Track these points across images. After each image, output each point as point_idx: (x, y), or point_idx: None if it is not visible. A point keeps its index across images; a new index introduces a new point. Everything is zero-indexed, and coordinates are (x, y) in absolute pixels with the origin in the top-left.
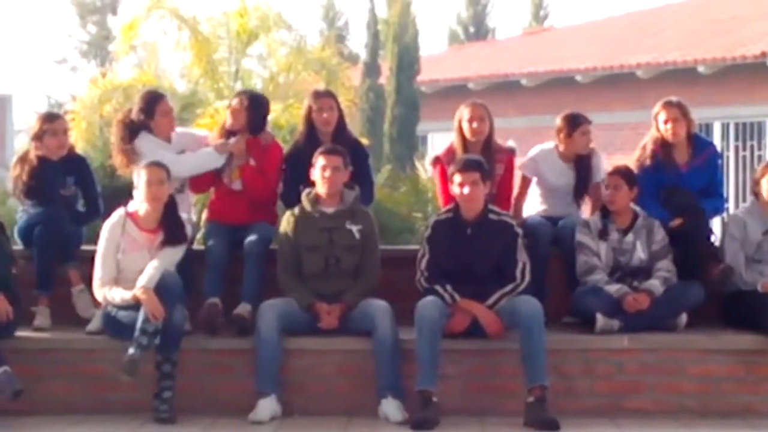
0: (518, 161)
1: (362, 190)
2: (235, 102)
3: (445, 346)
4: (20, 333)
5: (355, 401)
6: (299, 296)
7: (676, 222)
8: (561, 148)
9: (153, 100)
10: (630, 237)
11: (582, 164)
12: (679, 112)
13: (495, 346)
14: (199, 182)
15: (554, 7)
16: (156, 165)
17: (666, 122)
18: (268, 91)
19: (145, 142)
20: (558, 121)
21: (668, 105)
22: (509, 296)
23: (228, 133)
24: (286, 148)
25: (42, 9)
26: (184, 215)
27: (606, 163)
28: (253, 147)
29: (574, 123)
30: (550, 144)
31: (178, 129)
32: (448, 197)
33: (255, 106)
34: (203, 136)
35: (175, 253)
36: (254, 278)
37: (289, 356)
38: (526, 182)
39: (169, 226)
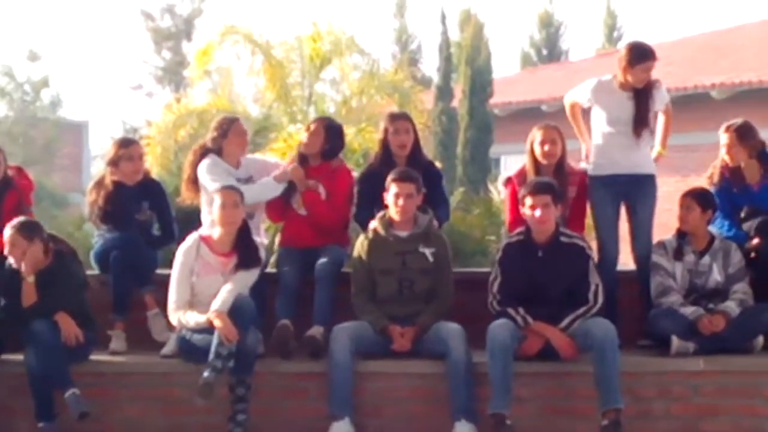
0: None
1: (438, 210)
2: (312, 126)
3: (518, 369)
4: (96, 357)
5: (429, 424)
6: (373, 319)
7: (754, 242)
8: (620, 77)
9: (228, 122)
10: (706, 259)
11: (641, 94)
12: (735, 136)
13: (568, 368)
14: (273, 210)
15: (628, 28)
16: (230, 188)
17: (724, 147)
18: (341, 115)
19: (208, 165)
20: (623, 49)
21: (726, 129)
22: (582, 319)
23: (302, 157)
24: (358, 172)
25: (118, 36)
26: (257, 239)
27: (667, 97)
28: (323, 173)
29: (638, 57)
30: (608, 75)
31: (249, 155)
32: (516, 217)
33: (331, 133)
34: (274, 163)
35: (249, 277)
36: (326, 301)
37: (362, 379)
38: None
39: (242, 249)
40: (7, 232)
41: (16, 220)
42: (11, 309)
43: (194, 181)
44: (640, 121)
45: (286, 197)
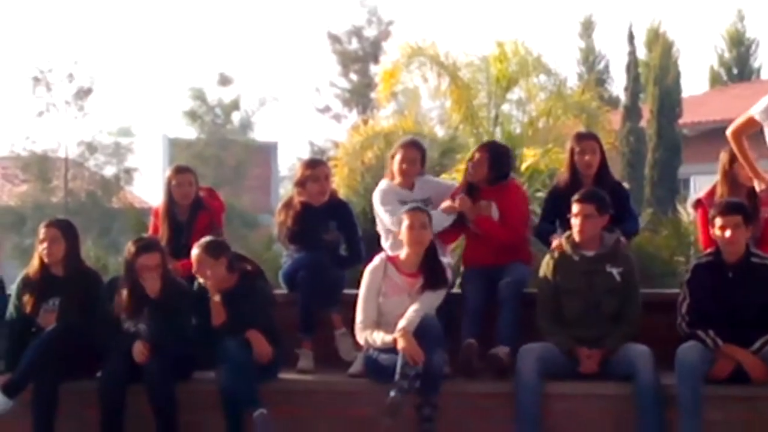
0: None
1: (626, 224)
2: (476, 156)
3: (708, 393)
4: (284, 375)
5: None
6: (559, 340)
7: None
8: None
9: (399, 145)
10: None
11: None
12: None
13: (760, 392)
14: (444, 235)
15: None
16: (418, 210)
17: None
18: (527, 136)
19: (381, 190)
20: None
21: None
22: None
23: (469, 186)
24: (545, 192)
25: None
26: (444, 259)
27: None
28: (494, 192)
29: None
30: None
31: (426, 176)
32: (709, 240)
33: (495, 158)
34: (449, 185)
35: (436, 298)
36: (510, 321)
37: (548, 400)
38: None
39: (429, 270)
40: (195, 251)
41: (203, 240)
42: (202, 328)
43: None
44: None
45: (462, 219)
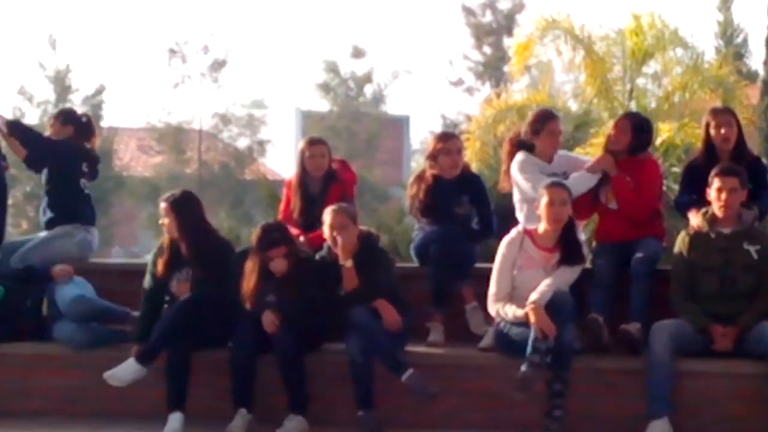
0: None
1: (764, 200)
2: (620, 123)
3: None
4: (414, 348)
5: (750, 426)
6: (693, 317)
7: None
8: None
9: (543, 118)
10: None
11: None
12: None
13: None
14: (580, 207)
15: None
16: (558, 185)
17: None
18: (663, 110)
19: (520, 161)
20: None
21: None
22: None
23: (610, 153)
24: (680, 167)
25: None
26: (582, 236)
27: None
28: (630, 166)
29: None
30: None
31: (561, 152)
32: None
33: (638, 130)
34: (586, 160)
35: (571, 273)
36: (642, 297)
37: (681, 378)
38: None
39: (566, 245)
40: (331, 214)
41: (337, 205)
42: (331, 297)
43: (506, 172)
44: None
45: (594, 193)
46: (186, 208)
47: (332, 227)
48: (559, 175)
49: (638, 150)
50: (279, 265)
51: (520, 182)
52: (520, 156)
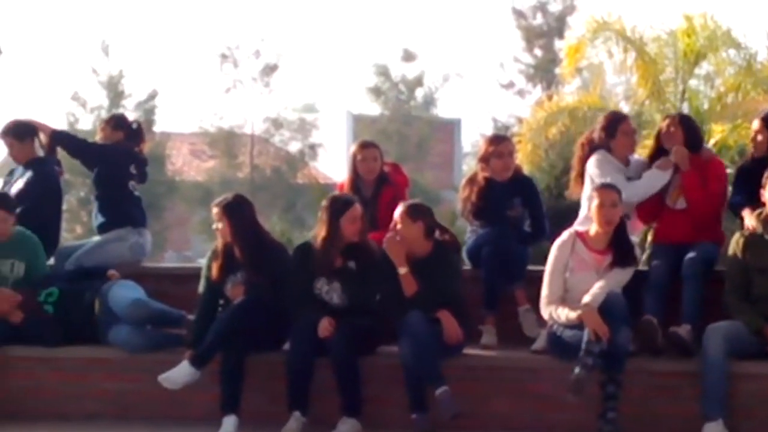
0: None
1: None
2: (667, 121)
3: None
4: (467, 351)
5: None
6: (748, 319)
7: None
8: None
9: (616, 120)
10: None
11: None
12: None
13: None
14: (645, 211)
15: None
16: (609, 187)
17: None
18: (716, 112)
19: (598, 160)
20: None
21: None
22: None
23: (662, 152)
24: (733, 169)
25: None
26: (633, 238)
27: None
28: (695, 164)
29: None
30: None
31: (635, 156)
32: None
33: (688, 124)
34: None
35: (624, 275)
36: (693, 298)
37: (736, 380)
38: None
39: (618, 247)
40: (399, 209)
41: (409, 201)
42: (390, 300)
43: (583, 175)
44: None
45: (660, 194)
46: (239, 211)
47: (396, 222)
48: (634, 179)
49: (695, 145)
50: (352, 230)
51: (597, 178)
52: (597, 155)
